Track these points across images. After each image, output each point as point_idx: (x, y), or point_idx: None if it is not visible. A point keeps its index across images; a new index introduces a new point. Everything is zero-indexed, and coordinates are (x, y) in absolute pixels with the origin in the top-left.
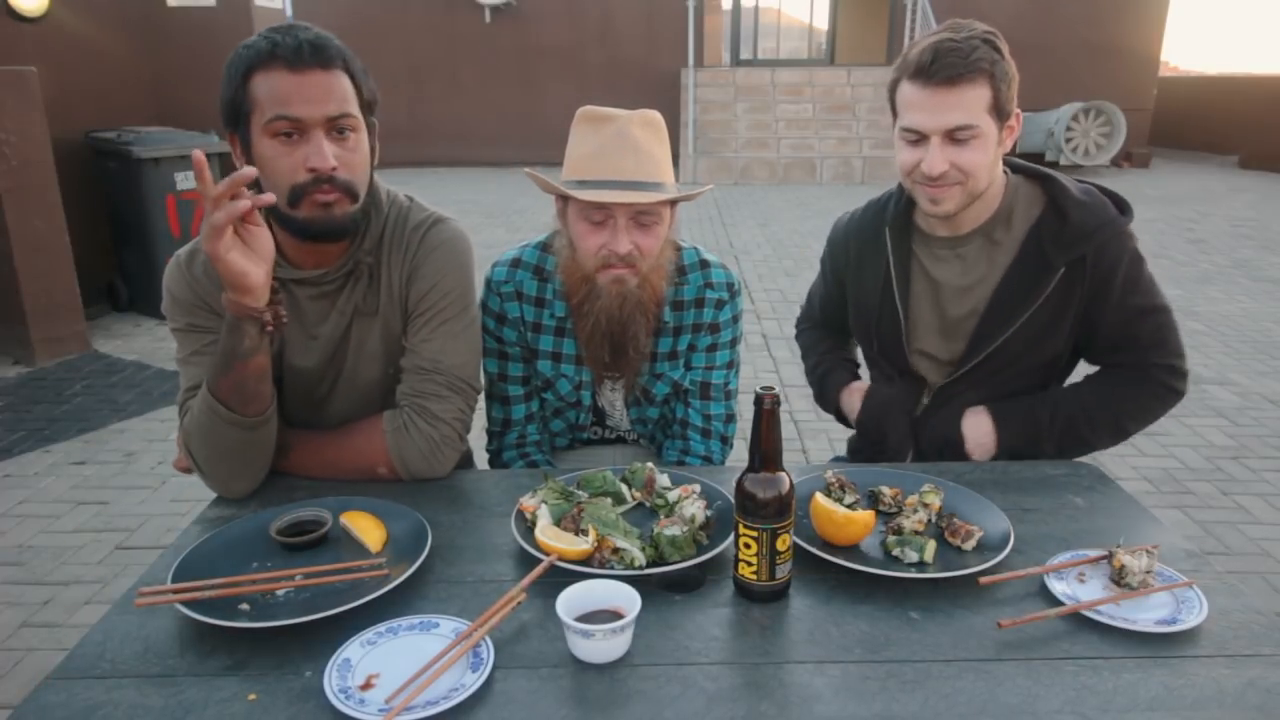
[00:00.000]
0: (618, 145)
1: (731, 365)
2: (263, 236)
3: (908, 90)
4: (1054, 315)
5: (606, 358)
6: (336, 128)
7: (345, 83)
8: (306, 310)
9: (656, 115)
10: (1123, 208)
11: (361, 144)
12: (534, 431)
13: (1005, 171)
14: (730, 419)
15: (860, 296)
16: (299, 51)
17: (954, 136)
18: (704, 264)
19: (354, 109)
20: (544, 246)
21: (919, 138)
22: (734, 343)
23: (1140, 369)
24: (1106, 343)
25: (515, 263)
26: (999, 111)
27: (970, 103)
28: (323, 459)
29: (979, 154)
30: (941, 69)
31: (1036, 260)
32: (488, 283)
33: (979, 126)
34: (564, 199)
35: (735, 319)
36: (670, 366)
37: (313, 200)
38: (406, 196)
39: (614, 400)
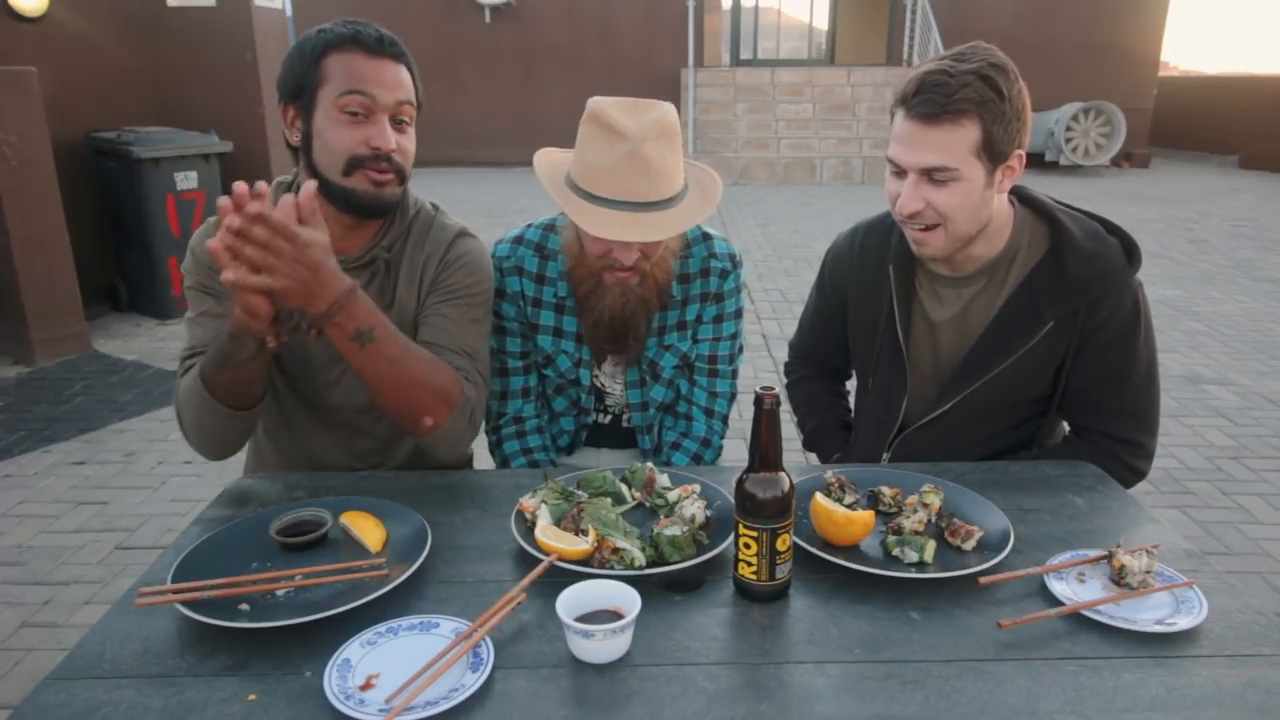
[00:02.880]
0: (629, 167)
1: (736, 337)
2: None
3: (897, 118)
4: (1035, 366)
5: (606, 345)
6: (400, 116)
7: (410, 79)
8: None
9: (671, 119)
10: (1131, 254)
11: (414, 137)
12: (532, 410)
13: (1012, 202)
14: (732, 398)
15: (860, 329)
16: (380, 41)
17: (931, 177)
18: (706, 236)
19: (415, 102)
20: (547, 227)
21: (899, 170)
22: (738, 313)
23: (1102, 445)
24: (1075, 400)
25: (518, 240)
26: (991, 153)
27: (952, 144)
28: (398, 368)
29: (958, 197)
30: (921, 104)
31: (1027, 309)
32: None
33: (958, 170)
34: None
35: (738, 289)
36: (679, 337)
37: (367, 174)
38: (432, 204)
39: (614, 374)
